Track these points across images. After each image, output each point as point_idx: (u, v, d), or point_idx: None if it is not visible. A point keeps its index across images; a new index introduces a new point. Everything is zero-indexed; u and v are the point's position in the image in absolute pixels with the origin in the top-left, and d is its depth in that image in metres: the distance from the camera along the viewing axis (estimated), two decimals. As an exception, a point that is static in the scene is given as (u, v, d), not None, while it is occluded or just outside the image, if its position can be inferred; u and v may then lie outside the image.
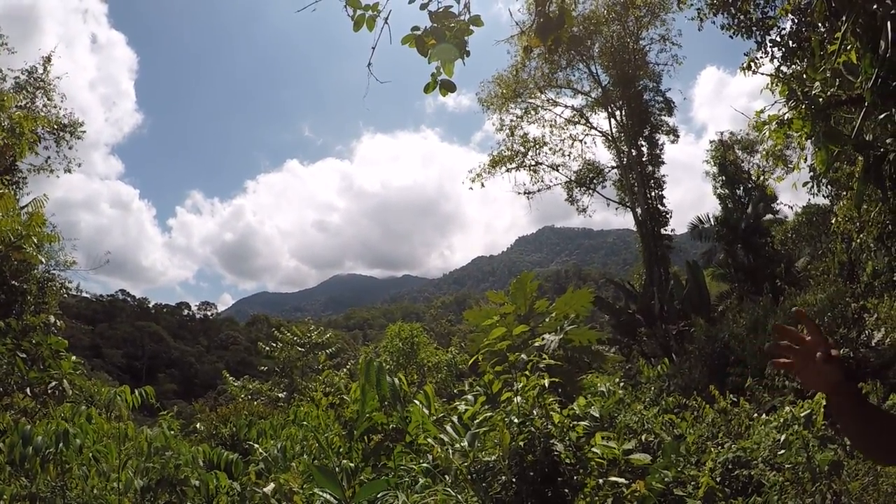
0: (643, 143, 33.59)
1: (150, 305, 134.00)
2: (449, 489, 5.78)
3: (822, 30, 5.40)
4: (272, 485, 6.24)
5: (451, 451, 6.58)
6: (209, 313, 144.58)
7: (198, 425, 13.25)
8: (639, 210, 33.12)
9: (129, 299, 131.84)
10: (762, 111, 5.32)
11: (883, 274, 12.65)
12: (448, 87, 5.27)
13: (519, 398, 6.46)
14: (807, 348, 1.87)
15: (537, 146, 36.05)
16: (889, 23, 2.94)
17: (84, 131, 25.52)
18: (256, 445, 9.17)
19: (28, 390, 10.03)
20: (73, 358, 10.87)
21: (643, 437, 8.35)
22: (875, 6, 3.00)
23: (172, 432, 7.35)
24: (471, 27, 5.07)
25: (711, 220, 31.60)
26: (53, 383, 10.17)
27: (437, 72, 5.24)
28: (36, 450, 6.06)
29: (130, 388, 7.51)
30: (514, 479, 5.94)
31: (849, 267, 15.12)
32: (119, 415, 7.40)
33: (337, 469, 6.27)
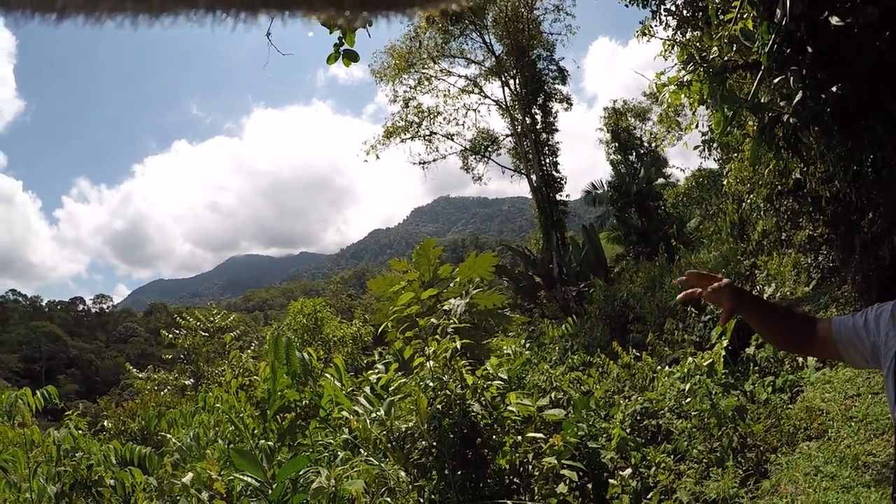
0: (537, 111, 33.99)
1: (43, 303, 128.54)
2: (371, 458, 5.82)
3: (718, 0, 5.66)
4: (190, 475, 6.11)
5: (368, 422, 6.61)
6: (105, 306, 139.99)
7: (105, 423, 12.80)
8: (534, 177, 33.63)
9: (20, 299, 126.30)
10: (662, 73, 5.51)
11: (772, 233, 13.33)
12: (351, 57, 5.24)
13: (431, 363, 6.52)
14: (707, 281, 2.43)
15: (431, 116, 36.00)
16: (786, -9, 3.12)
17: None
18: (169, 436, 8.96)
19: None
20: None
21: (552, 395, 8.60)
22: (773, -26, 3.18)
23: (80, 431, 7.09)
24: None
25: (605, 185, 32.42)
26: (-52, 397, 9.59)
27: (340, 42, 5.20)
28: (-62, 470, 5.75)
29: (31, 390, 7.20)
30: (434, 443, 6.03)
31: (739, 227, 15.85)
32: (23, 421, 7.09)
33: (255, 451, 6.21)
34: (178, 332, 25.05)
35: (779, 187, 10.58)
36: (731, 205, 15.63)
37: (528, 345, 12.90)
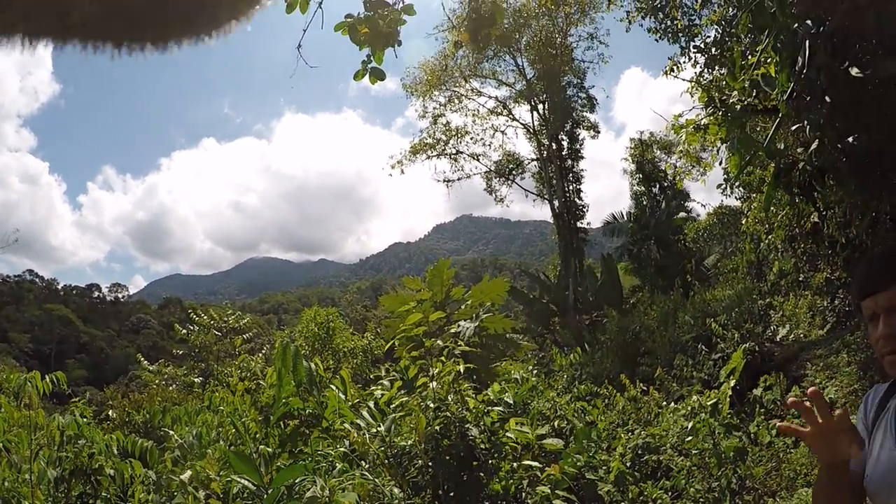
0: (564, 136, 34.01)
1: (60, 287, 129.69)
2: (366, 473, 5.82)
3: (746, 41, 5.65)
4: (189, 472, 6.14)
5: (367, 436, 6.62)
6: (120, 295, 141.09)
7: (110, 413, 12.87)
8: (556, 202, 33.57)
9: (37, 280, 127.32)
10: (680, 115, 5.54)
11: (789, 274, 13.28)
12: (378, 76, 5.31)
13: (434, 384, 6.54)
14: (824, 425, 1.88)
15: (459, 135, 36.11)
16: (807, 41, 3.13)
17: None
18: (171, 432, 8.99)
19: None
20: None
21: (556, 423, 8.59)
22: (795, 25, 3.19)
23: (85, 420, 7.13)
24: (403, 16, 5.12)
25: (626, 216, 32.31)
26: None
27: (368, 59, 5.28)
28: (-61, 446, 5.80)
29: (40, 374, 7.25)
30: (430, 464, 6.03)
31: (757, 266, 15.78)
32: (29, 403, 7.13)
33: (254, 455, 6.23)
34: (191, 328, 25.06)
35: (797, 229, 10.56)
36: (749, 244, 15.56)
37: (535, 371, 12.86)
